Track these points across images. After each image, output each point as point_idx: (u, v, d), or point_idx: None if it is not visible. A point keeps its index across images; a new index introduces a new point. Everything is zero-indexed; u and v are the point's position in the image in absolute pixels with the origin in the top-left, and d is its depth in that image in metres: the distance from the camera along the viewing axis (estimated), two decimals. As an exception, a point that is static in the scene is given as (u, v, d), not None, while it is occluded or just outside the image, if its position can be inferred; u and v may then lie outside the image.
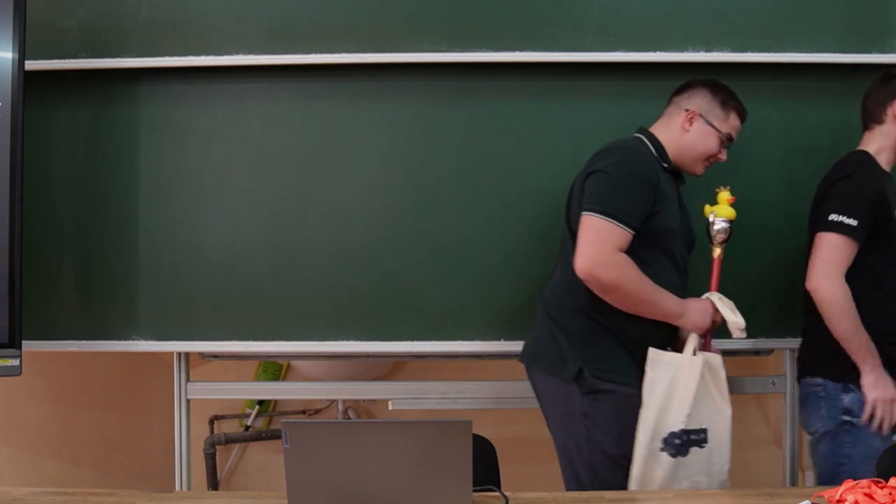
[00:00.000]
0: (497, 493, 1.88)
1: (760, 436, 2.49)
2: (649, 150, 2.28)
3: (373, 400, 3.33)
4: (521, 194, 2.57)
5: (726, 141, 2.29)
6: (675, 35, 2.53)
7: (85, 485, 3.10)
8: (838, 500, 1.70)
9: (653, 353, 2.17)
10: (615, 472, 2.15)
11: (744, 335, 2.20)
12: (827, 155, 2.37)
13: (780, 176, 2.57)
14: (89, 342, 2.60)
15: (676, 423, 2.12)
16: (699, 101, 2.29)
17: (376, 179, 2.59)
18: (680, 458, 2.12)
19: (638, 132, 2.34)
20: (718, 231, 2.27)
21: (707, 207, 2.31)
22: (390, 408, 2.71)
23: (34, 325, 2.53)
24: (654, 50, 2.53)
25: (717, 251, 2.28)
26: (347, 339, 2.58)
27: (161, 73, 2.56)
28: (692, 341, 2.19)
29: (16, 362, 2.34)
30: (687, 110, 2.28)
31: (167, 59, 2.55)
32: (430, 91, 2.57)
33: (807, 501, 1.74)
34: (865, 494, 1.67)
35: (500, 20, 2.54)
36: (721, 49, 2.52)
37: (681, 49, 2.53)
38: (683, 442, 2.12)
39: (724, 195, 2.28)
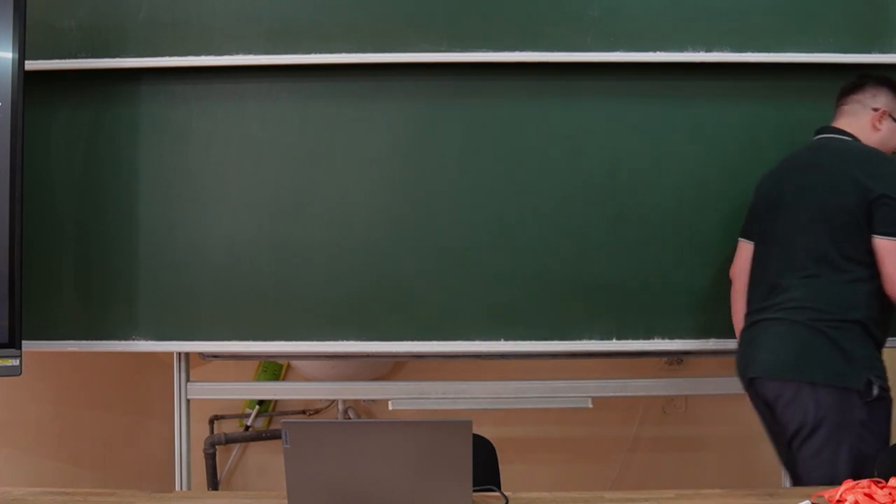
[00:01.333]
0: (497, 493, 1.88)
1: (760, 435, 2.49)
2: None
3: (373, 400, 3.33)
4: (521, 194, 2.57)
5: None
6: (675, 35, 2.53)
7: (85, 485, 3.10)
8: (838, 501, 1.70)
9: None
10: None
11: None
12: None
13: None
14: (89, 342, 2.60)
15: None
16: (884, 99, 2.31)
17: (376, 179, 2.59)
18: None
19: (835, 133, 2.31)
20: None
21: None
22: (390, 408, 2.71)
23: (34, 325, 2.53)
24: (654, 50, 2.53)
25: None
26: (347, 339, 2.58)
27: (161, 73, 2.57)
28: None
29: (16, 362, 2.34)
30: (875, 109, 2.30)
31: (167, 59, 2.55)
32: (430, 91, 2.57)
33: (807, 501, 1.74)
34: (865, 494, 1.67)
35: (499, 20, 2.54)
36: (721, 49, 2.52)
37: (681, 49, 2.53)
38: None
39: None
